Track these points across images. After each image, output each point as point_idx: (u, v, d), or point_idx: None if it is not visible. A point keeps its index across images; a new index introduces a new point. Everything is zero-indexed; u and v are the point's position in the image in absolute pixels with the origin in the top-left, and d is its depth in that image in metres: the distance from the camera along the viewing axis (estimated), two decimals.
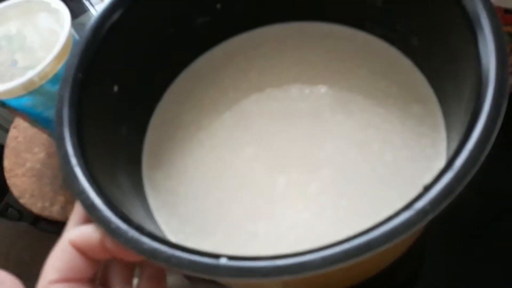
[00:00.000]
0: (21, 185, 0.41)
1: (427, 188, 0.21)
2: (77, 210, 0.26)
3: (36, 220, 0.49)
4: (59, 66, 0.34)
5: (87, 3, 0.54)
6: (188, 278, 0.35)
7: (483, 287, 0.35)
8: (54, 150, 0.44)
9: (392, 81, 0.32)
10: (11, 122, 0.47)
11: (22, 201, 0.41)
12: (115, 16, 0.30)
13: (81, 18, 0.46)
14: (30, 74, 0.32)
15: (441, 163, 0.28)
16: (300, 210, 0.29)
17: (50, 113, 0.36)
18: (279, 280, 0.22)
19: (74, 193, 0.24)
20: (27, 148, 0.44)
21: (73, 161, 0.25)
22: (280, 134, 0.33)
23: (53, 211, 0.40)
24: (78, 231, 0.24)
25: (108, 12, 0.29)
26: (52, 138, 0.41)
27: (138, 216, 0.28)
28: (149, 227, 0.27)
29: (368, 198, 0.29)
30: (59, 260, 0.24)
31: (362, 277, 0.29)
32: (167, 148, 0.34)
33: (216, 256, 0.20)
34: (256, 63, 0.36)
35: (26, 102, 0.34)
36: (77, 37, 0.37)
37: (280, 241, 0.29)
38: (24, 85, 0.32)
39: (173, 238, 0.30)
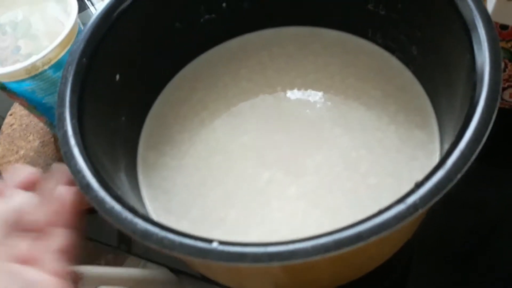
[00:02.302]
0: None
1: (418, 185, 0.21)
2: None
3: None
4: (63, 53, 0.34)
5: (87, 2, 0.54)
6: (176, 273, 0.35)
7: None
8: (49, 139, 0.44)
9: (401, 107, 0.33)
10: (8, 110, 0.47)
11: None
12: (124, 5, 0.30)
13: (80, 16, 0.46)
14: (33, 59, 0.33)
15: None
16: (274, 209, 0.30)
17: (50, 100, 0.37)
18: (270, 270, 0.23)
19: (71, 172, 0.24)
20: (21, 136, 0.44)
21: (72, 141, 0.25)
22: (279, 133, 0.34)
23: None
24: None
25: (117, 1, 0.30)
26: (48, 126, 0.42)
27: (125, 192, 0.28)
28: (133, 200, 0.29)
29: (341, 215, 0.29)
30: None
31: (351, 275, 0.29)
32: (166, 127, 0.35)
33: (209, 241, 0.21)
34: (278, 61, 0.37)
35: (27, 86, 0.34)
36: (82, 27, 0.37)
37: (246, 233, 0.29)
38: (26, 69, 0.33)
39: (153, 214, 0.31)
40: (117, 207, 0.23)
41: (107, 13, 0.30)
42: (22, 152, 0.43)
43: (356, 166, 0.31)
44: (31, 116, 0.45)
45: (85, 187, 0.24)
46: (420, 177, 0.28)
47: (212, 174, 0.33)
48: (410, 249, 0.36)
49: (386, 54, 0.35)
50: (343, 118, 0.33)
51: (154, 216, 0.31)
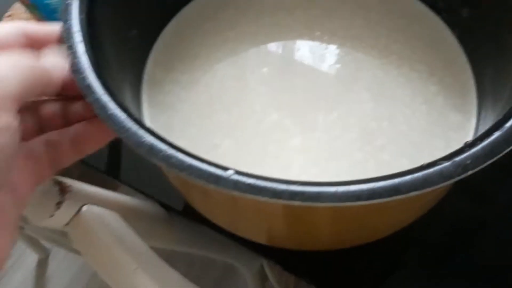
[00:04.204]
0: None
1: (469, 145, 0.18)
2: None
3: None
4: None
5: None
6: (166, 208, 0.32)
7: None
8: None
9: (443, 89, 0.29)
10: (5, 11, 0.43)
11: None
12: None
13: None
14: None
15: None
16: (269, 154, 0.28)
17: (53, 1, 0.33)
18: (274, 211, 0.20)
19: (73, 70, 0.21)
20: None
21: (77, 37, 0.22)
22: (301, 78, 0.31)
23: None
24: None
25: None
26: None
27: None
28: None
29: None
30: None
31: (352, 240, 0.27)
32: (182, 41, 0.33)
33: (224, 168, 0.18)
34: (327, 1, 0.33)
35: None
36: None
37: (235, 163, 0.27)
38: None
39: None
40: (121, 115, 0.20)
41: None
42: None
43: (373, 137, 0.28)
44: (32, 20, 0.40)
45: (87, 88, 0.20)
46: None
47: (220, 96, 0.30)
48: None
49: (441, 25, 0.32)
50: (376, 84, 0.30)
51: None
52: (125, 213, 0.25)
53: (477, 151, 0.18)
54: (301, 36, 0.32)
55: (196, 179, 0.18)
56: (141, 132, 0.19)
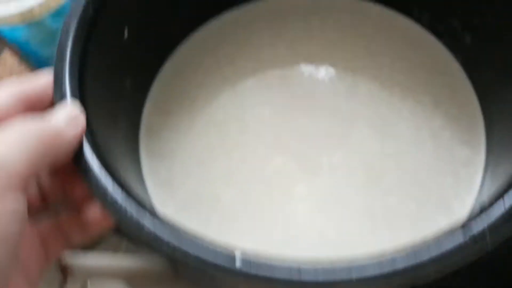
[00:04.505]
0: None
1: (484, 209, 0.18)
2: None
3: None
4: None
5: None
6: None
7: None
8: None
9: (449, 122, 0.28)
10: None
11: None
12: None
13: None
14: (31, 2, 0.28)
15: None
16: (274, 203, 0.27)
17: (46, 52, 0.32)
18: None
19: None
20: None
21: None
22: (303, 115, 0.30)
23: None
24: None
25: None
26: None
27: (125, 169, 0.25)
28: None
29: (347, 230, 0.26)
30: None
31: None
32: (180, 82, 0.31)
33: (231, 256, 0.17)
34: (328, 33, 0.32)
35: (21, 34, 0.30)
36: None
37: (236, 221, 0.27)
38: (22, 14, 0.28)
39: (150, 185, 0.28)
40: (121, 199, 0.19)
41: None
42: None
43: (378, 179, 0.27)
44: (23, 65, 0.40)
45: (84, 169, 0.20)
46: (452, 208, 0.24)
47: (221, 141, 0.29)
48: None
49: (443, 51, 0.30)
50: (379, 120, 0.29)
51: (151, 187, 0.28)
52: (131, 278, 0.25)
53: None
54: (301, 70, 0.31)
55: (201, 269, 0.17)
56: (144, 222, 0.18)
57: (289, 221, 0.27)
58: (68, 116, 0.20)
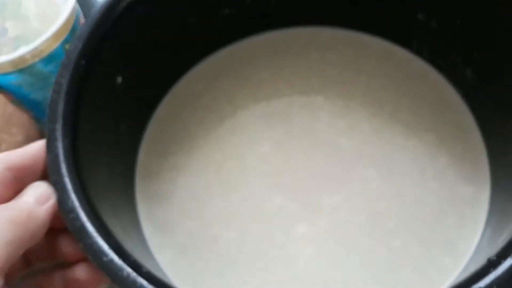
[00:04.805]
0: None
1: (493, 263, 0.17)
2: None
3: None
4: (56, 44, 0.29)
5: None
6: None
7: None
8: (34, 133, 0.39)
9: (453, 160, 0.28)
10: None
11: None
12: None
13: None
14: (21, 51, 0.28)
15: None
16: (274, 244, 0.26)
17: (38, 95, 0.32)
18: None
19: (61, 209, 0.20)
20: (4, 128, 0.39)
21: (64, 168, 0.20)
22: (304, 154, 0.29)
23: None
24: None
25: None
26: (35, 121, 0.37)
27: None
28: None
29: (349, 274, 0.25)
30: None
31: None
32: (177, 123, 0.31)
33: None
34: (329, 69, 0.32)
35: (13, 80, 0.29)
36: (80, 14, 0.32)
37: (235, 262, 0.26)
38: (13, 62, 0.28)
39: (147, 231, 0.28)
40: (118, 261, 0.18)
41: (112, 5, 0.25)
42: (4, 146, 0.38)
43: (382, 221, 0.26)
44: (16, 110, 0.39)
45: (79, 231, 0.19)
46: (457, 249, 0.24)
47: (219, 180, 0.29)
48: None
49: (446, 85, 0.30)
50: (382, 159, 0.28)
51: (148, 232, 0.27)
52: None
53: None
54: (300, 107, 0.31)
55: None
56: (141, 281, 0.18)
57: (289, 264, 0.26)
58: (38, 194, 0.19)
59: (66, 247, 0.21)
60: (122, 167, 0.28)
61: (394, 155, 0.28)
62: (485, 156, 0.27)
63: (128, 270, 0.18)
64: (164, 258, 0.26)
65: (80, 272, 0.20)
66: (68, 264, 0.21)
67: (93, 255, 0.19)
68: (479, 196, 0.26)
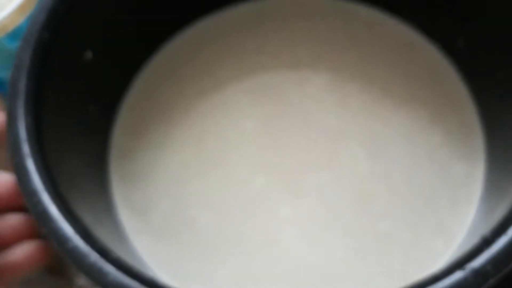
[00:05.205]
0: None
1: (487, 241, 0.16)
2: None
3: None
4: (22, 18, 0.27)
5: None
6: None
7: None
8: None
9: (447, 135, 0.26)
10: None
11: None
12: None
13: None
14: None
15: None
16: (254, 226, 0.25)
17: (4, 74, 0.30)
18: None
19: (23, 192, 0.18)
20: None
21: (25, 149, 0.19)
22: (290, 131, 0.28)
23: None
24: None
25: None
26: (4, 102, 0.35)
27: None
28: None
29: (334, 259, 0.24)
30: None
31: None
32: (152, 98, 0.29)
33: None
34: (321, 39, 0.30)
35: None
36: None
37: (214, 246, 0.25)
38: None
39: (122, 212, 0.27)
40: (84, 247, 0.17)
41: None
42: None
43: (369, 203, 0.25)
44: None
45: (41, 215, 0.18)
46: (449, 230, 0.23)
47: (198, 157, 0.27)
48: None
49: (439, 57, 0.28)
50: (372, 137, 0.26)
51: (123, 214, 0.26)
52: None
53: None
54: (287, 81, 0.29)
55: None
56: (108, 269, 0.17)
57: (271, 247, 0.25)
58: None
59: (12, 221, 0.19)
60: (94, 148, 0.27)
61: (384, 133, 0.27)
62: (480, 132, 0.26)
63: (94, 256, 0.17)
64: (140, 243, 0.25)
65: (16, 254, 0.19)
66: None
67: (57, 241, 0.17)
68: (473, 174, 0.25)
